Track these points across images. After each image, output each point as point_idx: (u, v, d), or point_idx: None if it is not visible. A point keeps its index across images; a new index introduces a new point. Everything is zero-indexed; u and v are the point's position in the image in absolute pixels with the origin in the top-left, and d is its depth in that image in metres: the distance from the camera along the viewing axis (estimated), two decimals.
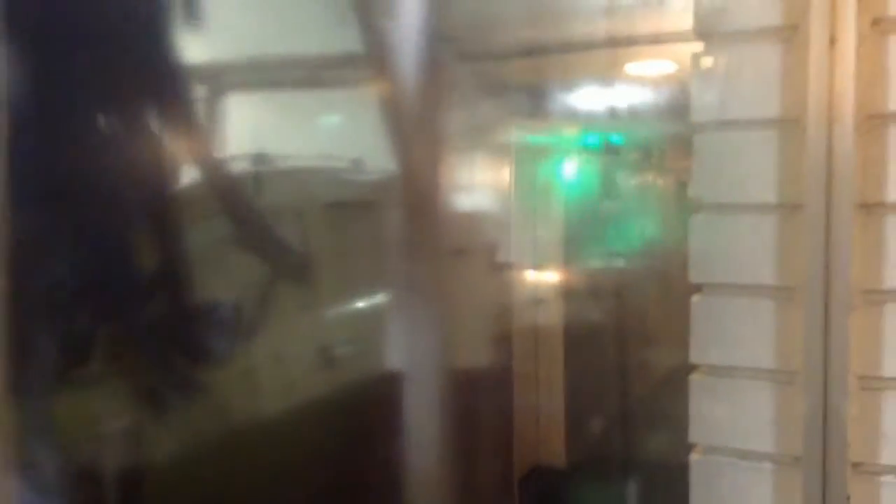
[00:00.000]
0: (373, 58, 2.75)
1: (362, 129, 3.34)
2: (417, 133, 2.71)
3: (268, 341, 2.48)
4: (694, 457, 1.16)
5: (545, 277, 3.65)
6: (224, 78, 3.84)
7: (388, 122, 2.73)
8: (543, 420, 3.76)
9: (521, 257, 3.62)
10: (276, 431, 2.46)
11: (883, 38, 1.05)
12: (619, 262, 3.75)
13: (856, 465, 1.09)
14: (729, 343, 1.13)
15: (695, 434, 1.16)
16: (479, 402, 3.09)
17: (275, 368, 2.52)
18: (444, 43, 2.73)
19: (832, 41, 1.03)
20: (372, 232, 3.09)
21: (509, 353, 3.59)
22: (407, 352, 2.77)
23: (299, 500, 2.35)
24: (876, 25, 1.05)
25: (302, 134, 3.55)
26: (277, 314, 2.65)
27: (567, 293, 3.70)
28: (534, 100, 3.55)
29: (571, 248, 3.69)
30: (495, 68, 3.23)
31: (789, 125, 1.07)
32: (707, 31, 1.13)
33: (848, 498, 1.08)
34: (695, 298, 1.16)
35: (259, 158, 3.05)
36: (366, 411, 2.87)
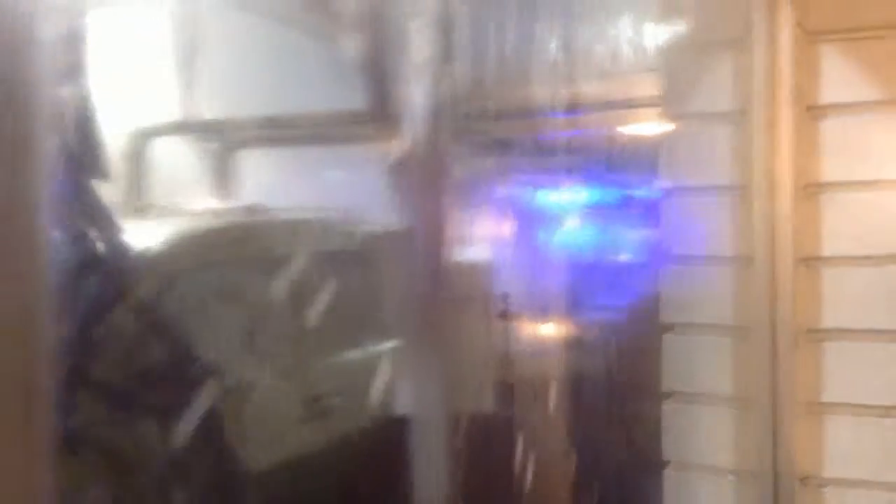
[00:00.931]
0: (380, 116, 3.00)
1: (367, 184, 3.59)
2: (422, 187, 2.96)
3: (262, 392, 2.61)
4: (667, 472, 1.38)
5: (545, 328, 3.87)
6: (233, 134, 4.10)
7: (393, 176, 2.97)
8: (546, 471, 3.92)
9: (522, 308, 3.85)
10: (275, 481, 2.57)
11: (815, 122, 1.29)
12: (615, 313, 3.97)
13: (803, 479, 1.30)
14: (695, 374, 1.35)
15: (668, 452, 1.37)
16: (483, 450, 3.27)
17: (268, 419, 2.64)
18: (448, 103, 2.99)
19: (772, 124, 1.28)
20: (377, 280, 3.31)
21: (511, 402, 3.78)
22: (412, 398, 2.96)
23: None
24: (809, 111, 1.30)
25: (307, 188, 3.80)
26: (272, 363, 2.81)
27: (567, 344, 3.91)
28: (533, 157, 3.82)
29: (570, 299, 3.91)
30: (497, 127, 3.50)
31: (739, 192, 1.31)
32: (672, 112, 1.39)
33: None
34: (666, 336, 1.39)
35: (256, 209, 3.25)
36: (365, 460, 3.03)
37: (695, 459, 1.34)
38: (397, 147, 3.39)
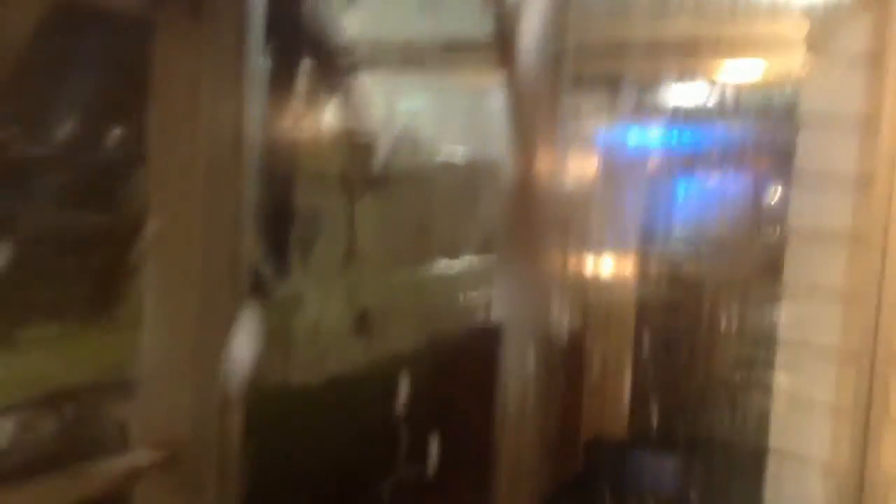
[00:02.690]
0: (497, 45, 3.28)
1: (478, 112, 3.90)
2: (529, 118, 3.26)
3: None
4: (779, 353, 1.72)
5: (623, 260, 4.22)
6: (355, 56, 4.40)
7: (505, 106, 3.27)
8: (610, 392, 4.32)
9: (604, 240, 4.19)
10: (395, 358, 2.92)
11: None
12: (693, 253, 4.30)
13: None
14: (813, 275, 1.69)
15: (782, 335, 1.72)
16: (557, 364, 3.65)
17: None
18: (559, 35, 3.26)
19: None
20: (477, 201, 3.64)
21: (584, 325, 4.15)
22: (506, 307, 3.32)
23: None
24: None
25: (420, 112, 4.11)
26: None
27: (642, 277, 4.26)
28: (628, 95, 4.09)
29: (649, 235, 4.25)
30: (601, 63, 3.77)
31: (868, 123, 1.62)
32: (817, 45, 1.68)
33: None
34: (789, 245, 1.72)
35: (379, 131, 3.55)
36: (467, 355, 3.41)
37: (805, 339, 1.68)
38: (501, 78, 3.70)
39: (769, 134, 3.02)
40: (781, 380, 1.78)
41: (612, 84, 4.02)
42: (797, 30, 1.71)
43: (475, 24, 3.42)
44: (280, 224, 2.28)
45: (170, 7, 1.65)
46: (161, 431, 1.76)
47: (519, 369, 3.28)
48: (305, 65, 2.33)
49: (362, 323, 3.02)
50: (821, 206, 1.68)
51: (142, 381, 1.80)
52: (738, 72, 3.47)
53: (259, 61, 1.70)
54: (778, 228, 1.94)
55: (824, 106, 1.66)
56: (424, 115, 3.99)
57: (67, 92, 1.91)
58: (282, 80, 2.03)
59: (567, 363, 3.93)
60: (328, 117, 4.14)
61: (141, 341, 1.80)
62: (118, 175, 1.92)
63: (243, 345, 1.86)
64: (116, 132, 1.97)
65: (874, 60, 1.62)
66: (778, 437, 1.80)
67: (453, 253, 3.74)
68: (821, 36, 1.65)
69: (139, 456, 1.73)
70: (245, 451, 1.83)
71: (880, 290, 1.62)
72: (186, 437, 1.75)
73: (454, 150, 3.90)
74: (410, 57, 4.14)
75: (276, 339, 2.59)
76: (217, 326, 1.83)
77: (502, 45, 3.27)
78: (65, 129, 1.91)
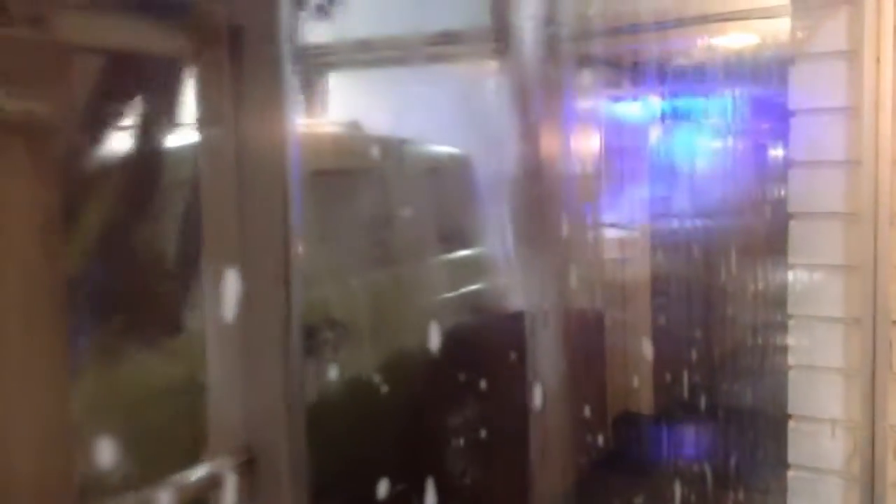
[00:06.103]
0: (495, 33, 3.59)
1: (475, 103, 4.22)
2: (531, 102, 3.58)
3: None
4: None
5: (635, 234, 4.55)
6: (328, 56, 4.75)
7: (506, 96, 3.59)
8: (633, 367, 4.66)
9: (614, 216, 4.52)
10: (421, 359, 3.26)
11: None
12: (703, 221, 4.64)
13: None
14: (814, 250, 2.01)
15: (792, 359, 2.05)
16: (581, 344, 4.00)
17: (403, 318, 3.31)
18: (548, 25, 3.58)
19: (878, 59, 1.90)
20: (493, 193, 3.97)
21: (603, 303, 4.49)
22: (528, 294, 3.66)
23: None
24: None
25: (400, 107, 4.43)
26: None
27: (654, 249, 4.60)
28: (624, 74, 4.41)
29: (658, 207, 4.58)
30: (591, 46, 4.09)
31: (852, 112, 1.94)
32: (797, 49, 2.00)
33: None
34: (791, 222, 2.04)
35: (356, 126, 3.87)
36: (493, 345, 3.75)
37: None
38: (500, 65, 4.07)
39: (765, 102, 3.34)
40: (795, 347, 2.11)
41: (609, 61, 4.33)
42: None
43: (469, 14, 3.72)
44: None
45: (211, 49, 1.95)
46: (236, 438, 2.09)
47: (544, 352, 3.62)
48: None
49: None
50: (816, 190, 2.00)
51: (211, 390, 2.13)
52: (732, 42, 3.79)
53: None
54: (781, 192, 2.27)
55: (810, 98, 1.98)
56: (419, 108, 4.30)
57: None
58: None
59: (590, 342, 4.27)
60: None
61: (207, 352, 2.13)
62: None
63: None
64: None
65: (852, 56, 1.93)
66: (795, 401, 2.14)
67: (457, 246, 4.06)
68: (804, 20, 1.97)
69: (220, 463, 2.06)
70: (311, 451, 2.16)
71: (875, 261, 1.95)
72: (260, 442, 2.08)
73: (452, 141, 4.21)
74: (405, 51, 4.44)
75: None
76: (269, 335, 2.15)
77: (500, 32, 3.57)
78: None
